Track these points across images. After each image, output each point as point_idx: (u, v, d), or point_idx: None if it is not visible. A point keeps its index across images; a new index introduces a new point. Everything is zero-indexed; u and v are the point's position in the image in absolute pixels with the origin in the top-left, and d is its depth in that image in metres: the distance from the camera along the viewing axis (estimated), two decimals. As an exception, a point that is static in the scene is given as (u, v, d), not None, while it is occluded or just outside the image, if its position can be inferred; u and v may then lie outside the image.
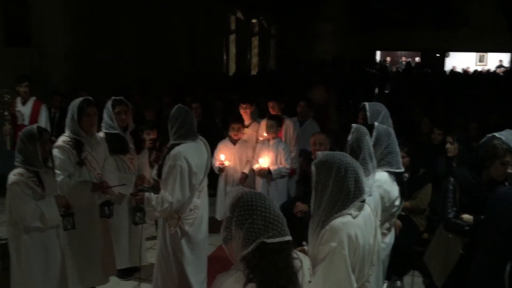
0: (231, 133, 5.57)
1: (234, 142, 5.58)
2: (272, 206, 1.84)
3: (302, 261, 1.92)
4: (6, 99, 5.98)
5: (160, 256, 3.69)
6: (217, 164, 5.47)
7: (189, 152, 3.49)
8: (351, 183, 2.32)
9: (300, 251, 2.42)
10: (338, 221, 2.31)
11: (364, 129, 3.02)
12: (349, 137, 2.96)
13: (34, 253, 3.42)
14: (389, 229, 3.32)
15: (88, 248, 3.98)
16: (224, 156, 5.48)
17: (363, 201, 2.41)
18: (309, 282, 1.90)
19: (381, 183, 3.07)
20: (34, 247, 3.42)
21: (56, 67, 9.38)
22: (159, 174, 3.56)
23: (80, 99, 3.94)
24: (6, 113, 6.07)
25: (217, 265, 1.97)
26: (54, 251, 3.53)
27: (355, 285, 2.30)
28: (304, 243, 2.55)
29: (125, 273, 4.61)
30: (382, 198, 2.96)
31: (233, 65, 17.06)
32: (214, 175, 5.73)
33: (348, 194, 2.33)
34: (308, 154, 5.19)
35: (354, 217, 2.34)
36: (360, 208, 2.38)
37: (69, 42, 9.53)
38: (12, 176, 3.35)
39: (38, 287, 3.46)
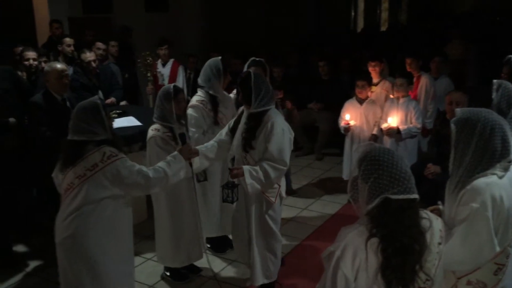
0: (357, 91, 5.44)
1: (360, 101, 5.44)
2: (400, 162, 1.79)
3: (432, 221, 1.85)
4: (148, 61, 6.48)
5: (259, 231, 3.46)
6: (342, 123, 5.42)
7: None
8: (497, 143, 2.15)
9: (433, 210, 2.34)
10: (481, 181, 2.17)
11: (510, 85, 2.74)
12: (494, 95, 2.71)
13: (170, 203, 3.71)
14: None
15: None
16: (350, 116, 5.39)
17: (510, 161, 2.23)
18: (439, 244, 1.84)
19: None
20: (169, 197, 3.70)
21: (191, 31, 9.94)
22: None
23: (219, 58, 4.11)
24: (148, 74, 6.60)
25: (342, 223, 1.98)
26: (188, 203, 3.77)
27: (497, 248, 2.16)
28: (439, 202, 2.45)
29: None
30: None
31: (361, 21, 16.44)
32: (340, 135, 5.71)
33: (494, 154, 2.16)
34: (442, 114, 4.89)
35: (500, 177, 2.18)
36: (506, 169, 2.21)
37: (203, 7, 10.00)
38: (150, 131, 3.65)
39: (176, 234, 3.76)
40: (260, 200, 3.43)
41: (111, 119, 3.05)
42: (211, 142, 3.61)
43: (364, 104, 5.41)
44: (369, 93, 5.51)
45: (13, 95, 4.03)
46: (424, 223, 1.82)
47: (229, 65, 4.55)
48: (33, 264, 4.29)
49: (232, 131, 3.54)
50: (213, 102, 4.08)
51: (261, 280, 3.57)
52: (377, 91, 5.74)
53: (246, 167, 3.25)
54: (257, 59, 4.45)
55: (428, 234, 1.81)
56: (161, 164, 3.08)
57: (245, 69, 4.45)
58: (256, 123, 3.33)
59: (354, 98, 5.53)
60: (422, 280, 1.77)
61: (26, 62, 5.21)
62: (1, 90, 3.94)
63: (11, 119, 3.90)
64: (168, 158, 3.14)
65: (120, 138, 3.06)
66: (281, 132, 3.30)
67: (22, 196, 4.25)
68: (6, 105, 3.94)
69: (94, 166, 2.77)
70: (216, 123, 4.08)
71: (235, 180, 3.33)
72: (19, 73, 4.82)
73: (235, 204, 3.51)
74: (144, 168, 2.95)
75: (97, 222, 2.81)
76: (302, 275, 4.00)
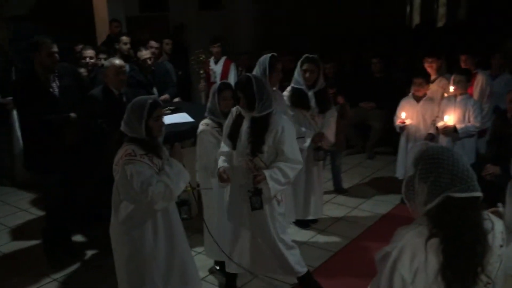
0: (413, 89, 5.29)
1: (417, 99, 5.29)
2: (460, 160, 1.73)
3: (494, 223, 1.78)
4: (201, 58, 6.60)
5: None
6: (398, 122, 5.29)
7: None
8: None
9: (492, 212, 2.25)
10: None
11: None
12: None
13: (220, 197, 3.72)
14: None
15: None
16: (406, 114, 5.25)
17: None
18: (501, 246, 1.76)
19: None
20: (220, 191, 3.70)
21: (244, 29, 10.02)
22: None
23: (269, 55, 4.13)
24: (201, 71, 6.72)
25: (394, 223, 1.94)
26: None
27: None
28: (499, 204, 2.35)
29: (304, 223, 4.85)
30: None
31: (417, 17, 15.97)
32: (393, 133, 5.58)
33: None
34: (503, 112, 4.67)
35: None
36: None
37: (256, 4, 10.05)
38: (200, 126, 3.75)
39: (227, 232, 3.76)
40: (268, 203, 3.42)
41: (160, 121, 2.95)
42: (225, 164, 3.46)
43: (421, 102, 5.26)
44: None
45: (74, 91, 4.20)
46: (487, 224, 1.75)
47: (282, 62, 4.54)
48: (90, 253, 4.48)
49: (231, 137, 3.42)
50: None
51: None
52: (434, 88, 5.57)
53: (266, 172, 3.28)
54: (311, 56, 4.44)
55: (490, 235, 1.74)
56: (160, 177, 2.85)
57: (298, 66, 4.44)
58: (263, 127, 3.31)
59: (410, 95, 5.38)
60: (483, 282, 1.71)
61: (84, 60, 5.45)
62: (62, 87, 4.12)
63: (72, 114, 4.07)
64: (165, 167, 2.92)
65: (158, 144, 2.96)
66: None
67: (81, 188, 4.44)
68: (67, 100, 4.12)
69: (118, 161, 2.86)
70: None
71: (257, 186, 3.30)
72: (80, 70, 5.04)
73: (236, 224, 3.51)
74: (153, 184, 2.77)
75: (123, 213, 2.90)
76: (352, 274, 3.94)
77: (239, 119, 3.42)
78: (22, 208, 5.64)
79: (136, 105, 2.91)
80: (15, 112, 5.74)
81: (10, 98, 5.57)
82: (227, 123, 3.49)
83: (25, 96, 4.02)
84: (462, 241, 1.65)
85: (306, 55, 4.46)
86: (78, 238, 4.76)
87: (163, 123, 2.99)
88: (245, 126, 3.36)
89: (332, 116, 4.69)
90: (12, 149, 6.34)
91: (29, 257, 4.51)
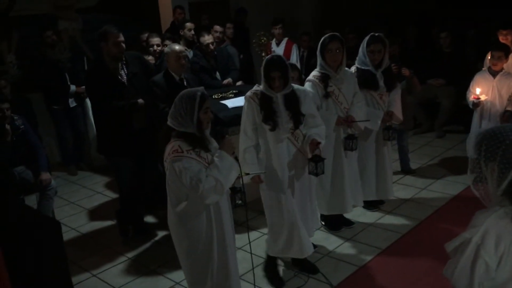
0: (491, 63, 4.98)
1: (493, 73, 4.98)
2: None
3: None
4: (263, 41, 6.57)
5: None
6: (472, 98, 5.02)
7: None
8: None
9: None
10: None
11: None
12: None
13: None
14: None
15: (335, 178, 4.21)
16: (480, 90, 4.98)
17: None
18: None
19: None
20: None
21: (305, 9, 9.87)
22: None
23: (326, 35, 4.07)
24: (263, 54, 6.70)
25: (466, 204, 1.86)
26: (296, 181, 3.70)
27: None
28: None
29: (371, 205, 4.77)
30: None
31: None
32: (465, 111, 5.32)
33: None
34: None
35: None
36: None
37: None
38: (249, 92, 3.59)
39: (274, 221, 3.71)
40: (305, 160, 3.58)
41: (208, 113, 2.86)
42: (255, 157, 3.50)
43: (498, 77, 4.95)
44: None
45: (141, 78, 4.34)
46: None
47: (346, 40, 4.43)
48: (161, 233, 4.68)
49: (270, 119, 3.40)
50: (323, 77, 4.05)
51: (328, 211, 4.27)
52: (509, 62, 5.22)
53: (314, 136, 3.45)
54: (376, 34, 4.29)
55: None
56: (210, 171, 2.80)
57: (364, 46, 4.30)
58: (296, 99, 3.44)
59: (485, 70, 5.08)
60: None
61: (151, 48, 5.61)
62: (130, 74, 4.27)
63: (140, 100, 4.21)
64: (215, 159, 2.84)
65: (205, 137, 2.89)
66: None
67: (150, 171, 4.61)
68: (135, 87, 4.26)
69: (166, 157, 2.82)
70: (327, 96, 4.05)
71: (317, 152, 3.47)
72: (146, 57, 5.20)
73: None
74: (203, 179, 2.74)
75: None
76: (421, 257, 3.85)
77: (266, 102, 3.41)
78: (98, 191, 5.97)
79: (185, 98, 2.80)
80: (88, 100, 6.04)
81: (83, 87, 5.87)
82: (248, 113, 3.46)
83: (96, 85, 4.20)
84: None
85: (371, 33, 4.31)
86: (149, 219, 4.98)
87: (211, 115, 2.93)
88: (280, 104, 3.40)
89: (396, 94, 4.56)
90: (87, 135, 6.72)
91: (105, 237, 4.78)
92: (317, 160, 3.45)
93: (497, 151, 1.65)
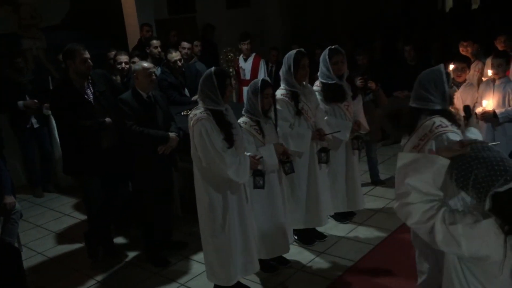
0: (455, 74, 5.10)
1: (457, 85, 5.10)
2: (490, 152, 1.68)
3: None
4: (230, 57, 6.62)
5: None
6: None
7: None
8: None
9: None
10: None
11: None
12: None
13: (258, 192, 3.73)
14: None
15: (310, 192, 4.22)
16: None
17: None
18: None
19: None
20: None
21: (273, 24, 9.98)
22: None
23: (294, 51, 4.10)
24: (231, 69, 6.73)
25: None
26: (276, 191, 3.83)
27: None
28: None
29: (343, 217, 4.80)
30: None
31: (450, 0, 15.50)
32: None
33: None
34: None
35: None
36: None
37: (282, 0, 9.99)
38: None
39: (262, 226, 3.81)
40: None
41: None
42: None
43: (462, 88, 5.07)
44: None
45: (108, 96, 4.28)
46: None
47: (313, 55, 4.50)
48: (132, 254, 4.57)
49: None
50: (292, 95, 4.09)
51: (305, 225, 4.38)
52: (470, 73, 5.39)
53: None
54: (333, 47, 4.34)
55: None
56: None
57: (325, 59, 4.34)
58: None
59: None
60: None
61: (119, 66, 5.53)
62: (97, 92, 4.20)
63: (107, 119, 4.15)
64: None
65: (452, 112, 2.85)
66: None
67: (119, 190, 4.52)
68: (102, 106, 4.20)
69: (425, 136, 2.73)
70: (299, 113, 4.07)
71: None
72: (113, 76, 5.12)
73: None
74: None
75: None
76: (394, 267, 3.87)
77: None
78: (65, 213, 5.81)
79: (432, 78, 2.79)
80: (53, 120, 5.89)
81: (36, 100, 5.76)
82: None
83: (62, 104, 4.11)
84: None
85: (329, 47, 4.36)
86: (119, 239, 4.86)
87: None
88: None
89: (359, 104, 4.69)
90: (53, 155, 6.54)
91: (74, 260, 4.63)
92: (283, 161, 3.81)
93: (468, 179, 1.69)
